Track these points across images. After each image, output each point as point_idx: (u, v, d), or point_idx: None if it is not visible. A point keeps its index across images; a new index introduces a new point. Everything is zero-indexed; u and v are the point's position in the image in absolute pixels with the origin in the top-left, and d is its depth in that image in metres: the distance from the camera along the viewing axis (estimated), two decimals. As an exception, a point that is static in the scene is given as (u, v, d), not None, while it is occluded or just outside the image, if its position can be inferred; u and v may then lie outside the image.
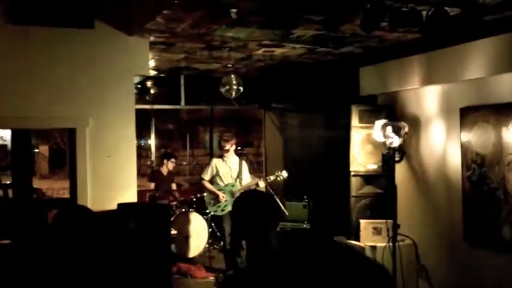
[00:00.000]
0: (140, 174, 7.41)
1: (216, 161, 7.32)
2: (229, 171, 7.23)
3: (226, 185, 7.18)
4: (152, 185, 8.72)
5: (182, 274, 7.13)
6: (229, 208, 7.01)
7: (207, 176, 7.28)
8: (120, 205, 5.29)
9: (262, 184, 7.18)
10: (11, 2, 5.08)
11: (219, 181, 7.22)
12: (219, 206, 7.15)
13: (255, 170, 7.37)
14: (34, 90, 5.22)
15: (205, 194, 7.53)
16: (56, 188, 13.15)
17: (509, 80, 5.31)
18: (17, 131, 5.79)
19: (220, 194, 7.12)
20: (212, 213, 7.41)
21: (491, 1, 4.26)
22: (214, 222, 7.99)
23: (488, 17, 4.68)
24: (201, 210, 7.85)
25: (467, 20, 4.53)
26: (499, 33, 5.11)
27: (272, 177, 7.23)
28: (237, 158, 7.32)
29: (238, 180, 7.21)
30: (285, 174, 7.23)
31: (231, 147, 7.27)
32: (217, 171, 7.21)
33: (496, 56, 5.26)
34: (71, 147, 5.55)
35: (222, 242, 7.59)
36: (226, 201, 7.10)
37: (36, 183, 10.24)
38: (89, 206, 5.29)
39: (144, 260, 5.17)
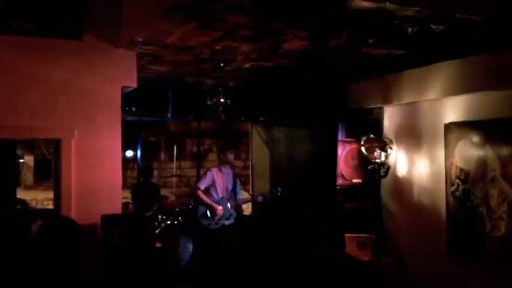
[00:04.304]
0: (126, 186, 7.36)
1: (214, 172, 7.05)
2: (226, 183, 7.02)
3: (221, 199, 6.94)
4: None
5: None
6: (222, 221, 6.88)
7: (202, 186, 6.96)
8: (103, 216, 5.26)
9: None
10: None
11: (213, 193, 6.94)
12: (213, 220, 6.86)
13: (242, 183, 7.33)
14: (20, 100, 5.18)
15: (192, 204, 7.38)
16: (40, 198, 13.03)
17: (492, 98, 5.39)
18: (1, 141, 5.74)
19: (218, 207, 6.83)
20: (205, 226, 7.00)
21: (477, 19, 4.30)
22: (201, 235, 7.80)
23: (479, 34, 4.70)
24: (187, 223, 7.76)
25: (453, 37, 4.59)
26: (488, 51, 5.17)
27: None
28: (232, 171, 7.13)
29: (232, 193, 7.02)
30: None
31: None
32: (214, 182, 6.96)
33: (484, 73, 5.34)
34: (56, 158, 5.52)
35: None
36: (222, 215, 6.87)
37: (21, 194, 10.12)
38: (73, 217, 5.26)
39: (127, 271, 5.14)
